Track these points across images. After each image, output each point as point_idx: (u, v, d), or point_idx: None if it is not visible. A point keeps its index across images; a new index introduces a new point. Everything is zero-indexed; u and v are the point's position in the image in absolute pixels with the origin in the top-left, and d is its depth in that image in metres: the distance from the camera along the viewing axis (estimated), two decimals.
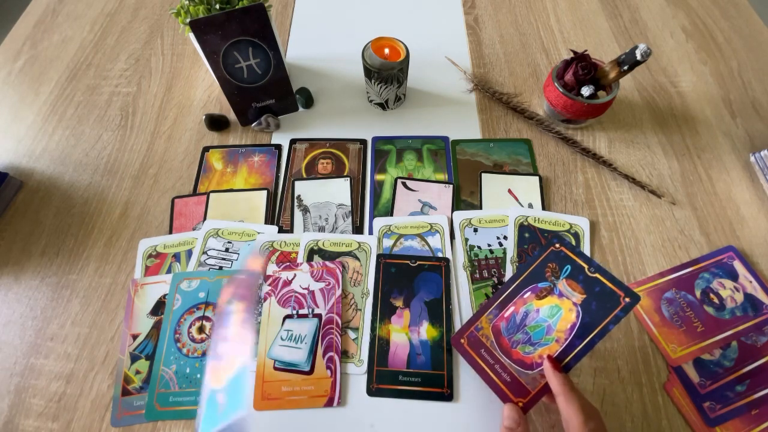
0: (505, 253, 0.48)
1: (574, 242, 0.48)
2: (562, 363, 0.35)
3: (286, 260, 0.48)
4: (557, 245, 0.39)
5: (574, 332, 0.35)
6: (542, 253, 0.40)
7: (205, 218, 0.51)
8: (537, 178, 0.53)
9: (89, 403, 0.41)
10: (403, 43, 0.54)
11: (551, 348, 0.36)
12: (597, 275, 0.37)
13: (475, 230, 0.49)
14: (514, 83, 0.63)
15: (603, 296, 0.36)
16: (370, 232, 0.50)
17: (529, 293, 0.38)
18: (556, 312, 0.37)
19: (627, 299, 0.35)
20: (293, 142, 0.57)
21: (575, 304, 0.36)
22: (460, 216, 0.50)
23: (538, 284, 0.38)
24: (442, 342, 0.43)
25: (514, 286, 0.39)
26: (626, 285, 0.35)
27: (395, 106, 0.60)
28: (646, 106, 0.60)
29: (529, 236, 0.49)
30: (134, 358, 0.43)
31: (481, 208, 0.51)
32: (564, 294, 0.37)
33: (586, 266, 0.37)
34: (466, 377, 0.41)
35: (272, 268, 0.47)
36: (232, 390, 0.29)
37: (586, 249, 0.48)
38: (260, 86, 0.55)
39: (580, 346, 0.35)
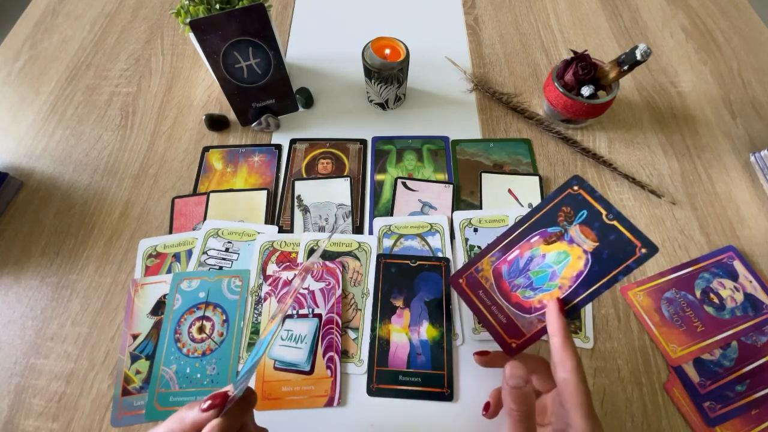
0: None
1: None
2: (567, 306, 0.33)
3: (286, 260, 0.48)
4: (575, 187, 0.35)
5: (579, 280, 0.33)
6: (557, 195, 0.35)
7: (205, 218, 0.51)
8: (537, 178, 0.53)
9: (89, 403, 0.41)
10: (403, 43, 0.54)
11: (553, 294, 0.34)
12: (615, 222, 0.33)
13: (475, 230, 0.49)
14: (514, 83, 0.63)
15: (617, 245, 0.32)
16: (370, 232, 0.50)
17: (537, 237, 0.35)
18: (563, 258, 0.34)
19: (643, 250, 0.32)
20: (293, 142, 0.57)
21: (585, 252, 0.33)
22: (460, 216, 0.50)
23: (548, 229, 0.35)
24: (442, 342, 0.43)
25: (522, 229, 0.36)
26: (646, 236, 0.32)
27: (395, 106, 0.60)
28: (646, 106, 0.60)
29: None
30: (134, 358, 0.43)
31: (481, 208, 0.51)
32: (575, 241, 0.34)
33: (604, 212, 0.33)
34: (466, 377, 0.41)
35: (272, 268, 0.47)
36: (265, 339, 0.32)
37: None
38: (260, 86, 0.55)
39: (584, 295, 0.33)
